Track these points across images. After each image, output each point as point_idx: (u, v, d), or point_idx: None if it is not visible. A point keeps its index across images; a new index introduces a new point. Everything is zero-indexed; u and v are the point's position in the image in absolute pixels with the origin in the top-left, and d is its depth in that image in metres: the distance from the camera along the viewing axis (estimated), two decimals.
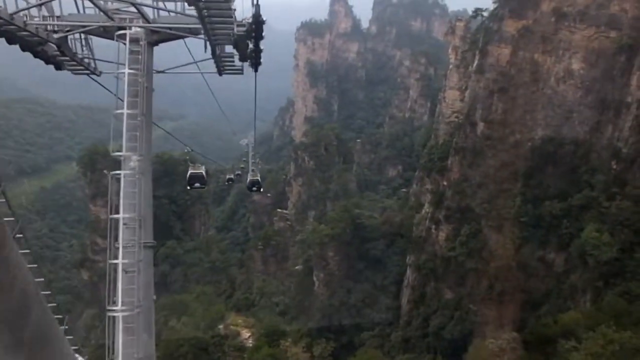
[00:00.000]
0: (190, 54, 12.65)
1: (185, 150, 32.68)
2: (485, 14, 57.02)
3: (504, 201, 52.05)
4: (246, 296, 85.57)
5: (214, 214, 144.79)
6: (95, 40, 11.65)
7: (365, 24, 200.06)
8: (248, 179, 34.73)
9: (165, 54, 12.69)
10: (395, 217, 73.98)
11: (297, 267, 74.79)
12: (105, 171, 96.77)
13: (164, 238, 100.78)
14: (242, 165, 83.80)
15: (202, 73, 13.40)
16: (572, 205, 47.01)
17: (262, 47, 10.16)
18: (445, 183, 57.91)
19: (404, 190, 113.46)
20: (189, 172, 46.82)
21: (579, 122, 46.57)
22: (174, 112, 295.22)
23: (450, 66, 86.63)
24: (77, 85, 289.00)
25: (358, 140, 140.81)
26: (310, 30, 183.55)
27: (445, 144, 60.64)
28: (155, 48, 11.12)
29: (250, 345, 44.97)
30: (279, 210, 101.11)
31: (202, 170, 49.46)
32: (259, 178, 34.50)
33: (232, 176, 53.80)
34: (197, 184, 45.40)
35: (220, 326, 47.92)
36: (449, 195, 57.09)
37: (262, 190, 36.09)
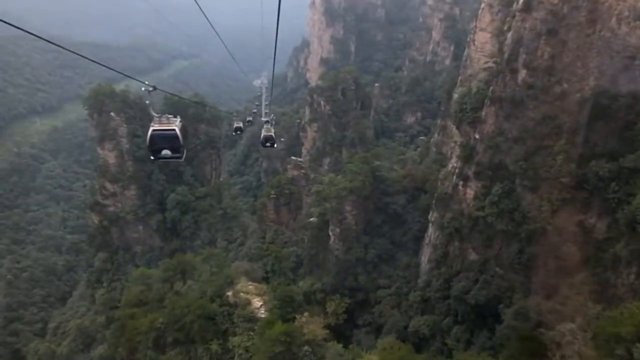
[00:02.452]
0: None
1: (144, 89, 12.82)
2: None
3: (543, 159, 46.87)
4: (258, 245, 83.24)
5: (225, 158, 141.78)
6: None
7: None
8: (262, 134, 31.01)
9: None
10: (417, 170, 69.19)
11: (311, 219, 71.23)
12: (112, 114, 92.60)
13: (174, 184, 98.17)
14: (255, 110, 79.04)
15: None
16: (623, 167, 41.71)
17: None
18: (477, 136, 52.53)
19: (422, 138, 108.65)
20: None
21: None
22: (188, 51, 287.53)
23: (483, 5, 78.61)
24: (87, 23, 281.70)
25: (376, 85, 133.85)
26: None
27: (479, 93, 54.59)
28: None
29: (262, 315, 41.83)
30: (293, 158, 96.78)
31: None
32: (272, 133, 30.65)
33: (240, 125, 48.33)
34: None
35: (229, 293, 44.57)
36: (481, 149, 51.92)
37: (275, 146, 32.15)
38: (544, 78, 45.75)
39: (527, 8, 45.28)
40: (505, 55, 48.55)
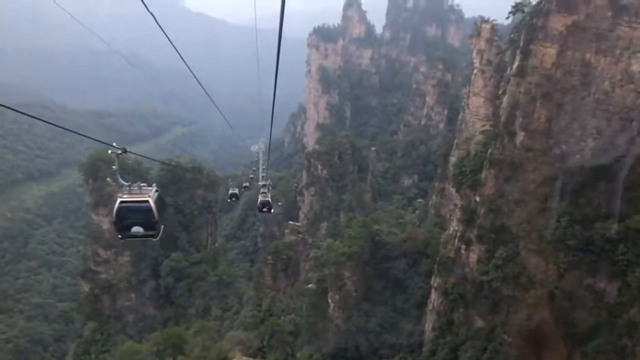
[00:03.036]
0: None
1: (111, 152, 10.19)
2: (526, 9, 51.00)
3: (546, 221, 45.96)
4: (254, 313, 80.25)
5: (222, 222, 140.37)
6: None
7: (379, 30, 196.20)
8: (259, 200, 30.45)
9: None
10: (417, 234, 67.93)
11: (309, 286, 68.96)
12: (108, 179, 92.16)
13: (169, 249, 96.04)
14: (252, 176, 78.85)
15: None
16: (630, 227, 40.81)
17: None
18: (477, 199, 51.84)
19: (419, 200, 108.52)
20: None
21: (638, 132, 40.45)
22: (187, 117, 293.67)
23: (475, 71, 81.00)
24: (87, 91, 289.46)
25: (372, 149, 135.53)
26: (322, 35, 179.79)
27: (477, 155, 54.58)
28: None
29: None
30: (290, 222, 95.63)
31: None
32: (269, 199, 30.10)
33: (235, 191, 47.00)
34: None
35: None
36: (482, 212, 51.02)
37: (272, 211, 31.50)
38: (542, 140, 45.79)
39: (521, 73, 46.10)
40: (502, 119, 48.88)
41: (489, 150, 50.69)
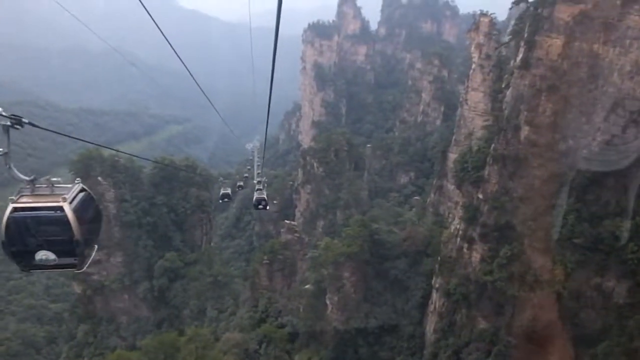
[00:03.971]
0: None
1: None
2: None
3: (553, 219, 44.36)
4: (250, 315, 78.42)
5: (217, 221, 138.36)
6: None
7: (374, 26, 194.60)
8: (254, 197, 28.88)
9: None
10: (417, 232, 66.20)
11: (307, 287, 67.14)
12: (99, 178, 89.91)
13: (163, 249, 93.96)
14: (246, 174, 76.98)
15: None
16: None
17: None
18: (480, 196, 50.15)
19: (417, 198, 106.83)
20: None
21: None
22: (181, 115, 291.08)
23: (473, 66, 79.55)
24: (80, 90, 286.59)
25: (368, 146, 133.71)
26: (317, 31, 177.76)
27: (480, 151, 52.86)
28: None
29: None
30: (286, 221, 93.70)
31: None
32: (265, 196, 28.53)
33: (228, 191, 44.01)
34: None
35: None
36: (485, 210, 49.36)
37: (268, 208, 29.99)
38: (547, 135, 44.16)
39: (525, 65, 44.42)
40: (506, 112, 47.20)
41: (492, 146, 49.03)
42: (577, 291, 43.98)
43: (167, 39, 10.43)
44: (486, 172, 49.32)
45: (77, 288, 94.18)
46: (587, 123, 42.14)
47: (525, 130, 45.31)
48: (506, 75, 52.63)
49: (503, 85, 51.91)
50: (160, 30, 9.72)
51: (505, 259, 47.18)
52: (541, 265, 45.88)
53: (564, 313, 44.87)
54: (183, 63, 11.98)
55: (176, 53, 11.10)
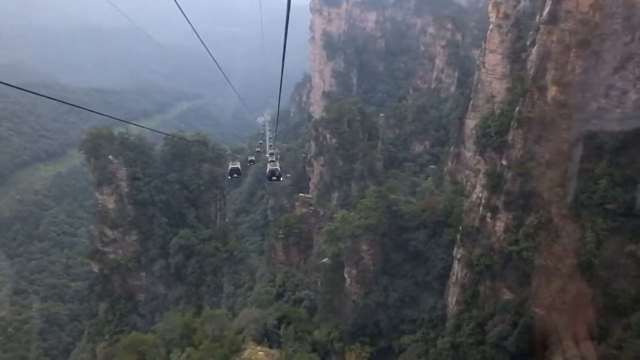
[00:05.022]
0: None
1: None
2: None
3: (583, 184, 41.75)
4: (267, 289, 77.78)
5: (231, 196, 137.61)
6: None
7: None
8: (268, 169, 27.33)
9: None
10: (436, 202, 63.97)
11: (324, 260, 65.76)
12: (110, 157, 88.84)
13: (177, 227, 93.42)
14: (258, 149, 74.98)
15: None
16: None
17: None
18: (504, 162, 47.59)
19: (432, 167, 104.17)
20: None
21: None
22: (191, 92, 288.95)
23: (491, 26, 75.48)
24: (89, 69, 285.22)
25: (381, 115, 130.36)
26: None
27: (503, 115, 50.00)
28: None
29: None
30: (300, 195, 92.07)
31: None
32: (278, 167, 26.94)
33: (237, 165, 40.41)
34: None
35: None
36: (510, 177, 46.89)
37: (281, 179, 28.40)
38: (577, 94, 41.20)
39: (553, 19, 41.13)
40: (531, 72, 44.12)
41: (517, 109, 46.14)
42: (609, 259, 41.62)
43: (184, 14, 11.26)
44: (510, 137, 46.64)
45: (94, 267, 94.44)
46: (621, 80, 39.04)
47: (552, 91, 42.36)
48: (531, 32, 49.15)
49: (528, 43, 48.52)
50: (178, 5, 10.45)
51: (532, 228, 44.93)
52: (570, 233, 43.53)
53: (595, 283, 42.64)
54: (199, 37, 13.54)
55: (193, 27, 12.18)
